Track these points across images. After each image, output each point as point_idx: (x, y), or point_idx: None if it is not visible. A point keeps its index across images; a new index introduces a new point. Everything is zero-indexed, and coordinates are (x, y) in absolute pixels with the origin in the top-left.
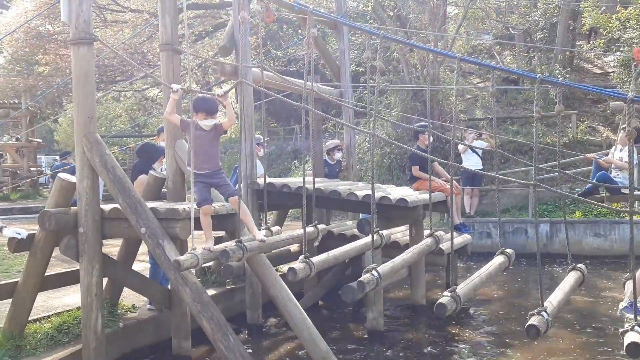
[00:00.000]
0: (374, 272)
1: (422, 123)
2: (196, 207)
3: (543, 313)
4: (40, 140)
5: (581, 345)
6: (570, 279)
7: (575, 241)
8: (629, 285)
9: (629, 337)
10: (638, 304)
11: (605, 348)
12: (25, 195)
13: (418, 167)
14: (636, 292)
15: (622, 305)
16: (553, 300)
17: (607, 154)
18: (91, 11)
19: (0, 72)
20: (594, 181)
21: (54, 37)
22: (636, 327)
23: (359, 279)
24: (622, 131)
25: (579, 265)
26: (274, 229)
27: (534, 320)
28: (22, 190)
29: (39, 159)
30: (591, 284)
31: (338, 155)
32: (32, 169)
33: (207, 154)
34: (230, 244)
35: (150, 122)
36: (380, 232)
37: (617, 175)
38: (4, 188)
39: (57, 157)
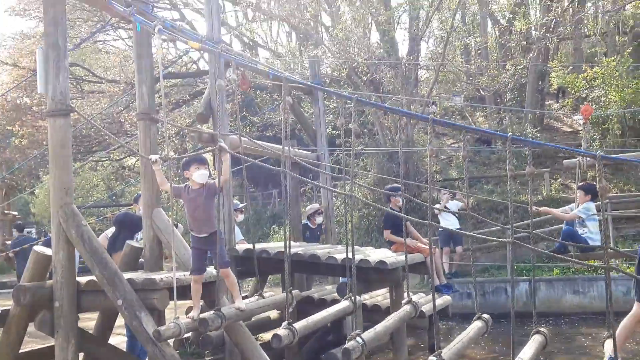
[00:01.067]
0: (358, 338)
1: (393, 185)
2: (189, 274)
3: None
4: (16, 213)
5: None
6: (536, 340)
7: (555, 299)
8: (608, 344)
9: None
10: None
11: None
12: (0, 270)
13: (390, 231)
14: (616, 349)
15: (607, 356)
16: None
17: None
18: (68, 83)
19: None
20: (560, 239)
21: (31, 109)
22: None
23: (344, 346)
24: (579, 190)
25: (541, 329)
26: (267, 295)
27: None
28: None
29: (13, 233)
30: (572, 341)
31: (319, 219)
32: (7, 242)
33: (204, 217)
34: (208, 313)
35: (128, 191)
36: (357, 296)
37: (584, 232)
38: None
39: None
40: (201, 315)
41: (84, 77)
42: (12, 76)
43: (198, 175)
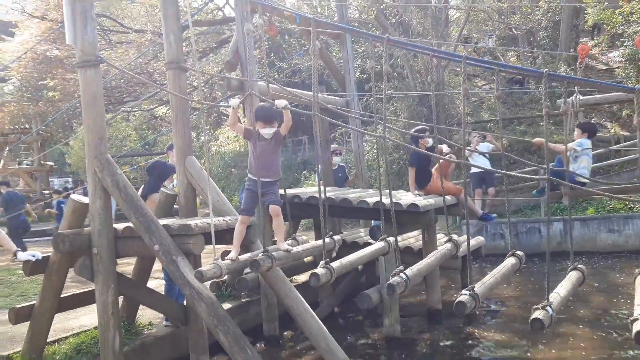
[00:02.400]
0: (402, 274)
1: (419, 127)
2: (239, 214)
3: (547, 308)
4: (52, 164)
5: (598, 340)
6: (572, 276)
7: (589, 238)
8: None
9: (637, 326)
10: None
11: (620, 342)
12: (40, 219)
13: (415, 170)
14: None
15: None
16: (557, 296)
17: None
18: (96, 33)
19: (10, 98)
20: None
21: (61, 61)
22: None
23: (388, 282)
24: (576, 128)
25: (580, 265)
26: (300, 239)
27: (538, 314)
28: (37, 215)
29: (52, 182)
30: (606, 280)
31: (337, 159)
32: (45, 192)
33: (270, 162)
34: (259, 254)
35: (160, 140)
36: (390, 238)
37: (575, 167)
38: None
39: (69, 180)
40: (251, 256)
41: (111, 28)
42: (40, 29)
43: (265, 134)
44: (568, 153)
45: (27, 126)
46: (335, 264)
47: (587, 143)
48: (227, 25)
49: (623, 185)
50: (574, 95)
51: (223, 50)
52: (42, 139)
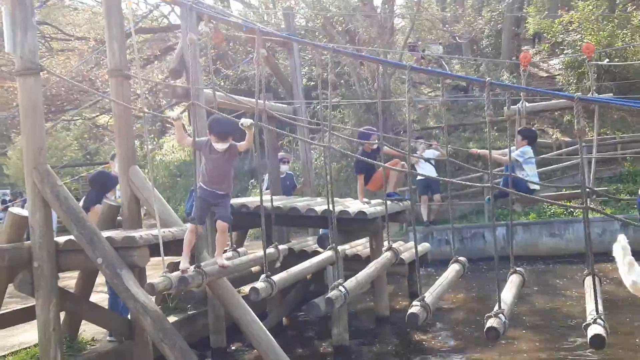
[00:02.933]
0: (340, 287)
1: (364, 131)
2: (189, 223)
3: (500, 315)
4: None
5: (543, 342)
6: (514, 281)
7: (532, 242)
8: (588, 281)
9: (592, 330)
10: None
11: (566, 344)
12: None
13: (363, 176)
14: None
15: None
16: (506, 301)
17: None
18: (37, 40)
19: None
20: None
21: None
22: (598, 320)
23: (327, 296)
24: (518, 135)
25: (519, 268)
26: (240, 250)
27: (492, 322)
28: None
29: None
30: (549, 283)
31: (284, 167)
32: None
33: (222, 175)
34: (190, 270)
35: (102, 150)
36: (338, 246)
37: (523, 175)
38: None
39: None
40: (179, 274)
41: (52, 35)
42: None
43: (220, 147)
44: (512, 163)
45: None
46: (277, 277)
47: (529, 150)
48: (172, 33)
49: (568, 192)
50: (520, 102)
51: (168, 58)
52: None
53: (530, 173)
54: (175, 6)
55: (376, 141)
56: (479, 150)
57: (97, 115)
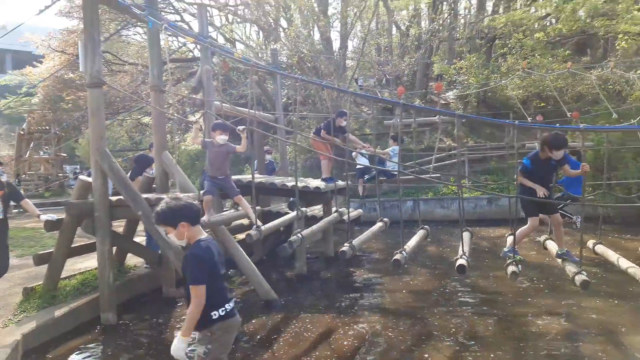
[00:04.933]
0: (298, 234)
1: (342, 110)
2: (202, 195)
3: (403, 252)
4: (65, 155)
5: (432, 275)
6: (420, 233)
7: (429, 211)
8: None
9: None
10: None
11: (448, 280)
12: (55, 194)
13: (325, 132)
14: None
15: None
16: (409, 245)
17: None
18: (101, 64)
19: (35, 107)
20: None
21: (74, 82)
22: (463, 256)
23: (289, 240)
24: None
25: (425, 226)
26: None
27: (397, 256)
28: (53, 191)
29: (65, 168)
30: (439, 239)
31: (268, 156)
32: (59, 174)
33: (220, 165)
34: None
35: (144, 140)
36: (302, 209)
37: (388, 165)
38: (40, 189)
39: (78, 167)
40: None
41: (112, 61)
42: (60, 60)
43: (220, 139)
44: (385, 156)
45: (47, 127)
46: (264, 227)
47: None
48: (195, 62)
49: (427, 176)
50: (395, 118)
51: (192, 79)
52: (59, 137)
53: (392, 165)
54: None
55: (344, 121)
56: (377, 150)
57: (141, 117)
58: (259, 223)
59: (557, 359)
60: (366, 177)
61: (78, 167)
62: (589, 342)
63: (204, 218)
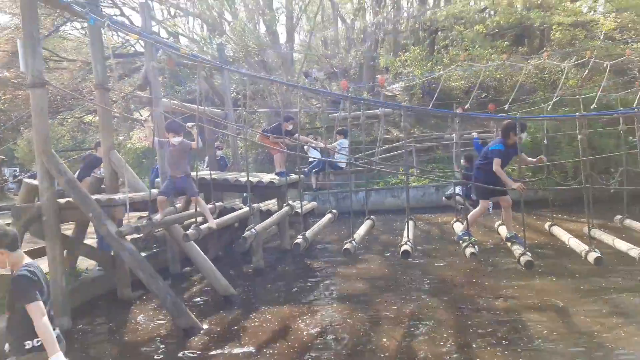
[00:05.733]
0: (252, 229)
1: (289, 115)
2: (157, 195)
3: (352, 242)
4: (3, 157)
5: (382, 261)
6: (367, 223)
7: (380, 201)
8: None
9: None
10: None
11: (400, 266)
12: None
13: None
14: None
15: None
16: (358, 234)
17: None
18: (42, 63)
19: None
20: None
21: (10, 81)
22: (408, 243)
23: (243, 235)
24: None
25: (372, 216)
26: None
27: (347, 245)
28: None
29: (3, 171)
30: (390, 228)
31: (219, 152)
32: None
33: (178, 163)
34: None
35: (87, 140)
36: (255, 204)
37: (337, 157)
38: None
39: (17, 169)
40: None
41: (50, 57)
42: None
43: (175, 141)
44: (332, 150)
45: None
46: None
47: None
48: (138, 58)
49: (378, 168)
50: (338, 113)
51: (135, 75)
52: None
53: (339, 157)
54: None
55: (290, 125)
56: (326, 145)
57: (83, 115)
58: (214, 225)
59: (503, 334)
60: (314, 170)
61: (17, 169)
62: (532, 317)
63: (157, 217)
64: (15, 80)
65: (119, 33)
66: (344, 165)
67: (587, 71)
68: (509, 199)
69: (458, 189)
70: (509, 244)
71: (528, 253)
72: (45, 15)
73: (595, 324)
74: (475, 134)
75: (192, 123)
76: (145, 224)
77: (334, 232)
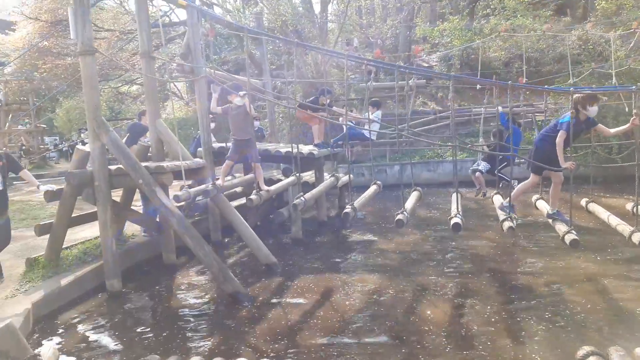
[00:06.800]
0: (301, 198)
1: (326, 88)
2: (227, 159)
3: (404, 212)
4: (45, 126)
5: (423, 238)
6: (414, 195)
7: (416, 175)
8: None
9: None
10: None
11: (438, 240)
12: (38, 166)
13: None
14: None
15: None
16: (408, 206)
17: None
18: (92, 31)
19: (9, 78)
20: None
21: (51, 50)
22: (457, 215)
23: (293, 202)
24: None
25: (418, 188)
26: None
27: (399, 217)
28: (35, 163)
29: (45, 140)
30: (427, 202)
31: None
32: (40, 147)
33: (242, 126)
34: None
35: (124, 110)
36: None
37: (370, 130)
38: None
39: (57, 138)
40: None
41: None
42: (34, 27)
43: (237, 101)
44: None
45: (24, 98)
46: (263, 192)
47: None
48: (173, 28)
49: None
50: (369, 82)
51: (170, 46)
52: (37, 109)
53: (375, 128)
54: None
55: (328, 100)
56: (358, 116)
57: (120, 86)
58: (266, 188)
59: (543, 309)
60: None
61: (57, 138)
62: (574, 294)
63: (218, 182)
64: (54, 50)
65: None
66: (374, 137)
67: (633, 43)
68: (561, 175)
69: (482, 165)
70: (550, 220)
71: (573, 231)
72: None
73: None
74: (500, 109)
75: (244, 92)
76: (211, 188)
77: (367, 204)
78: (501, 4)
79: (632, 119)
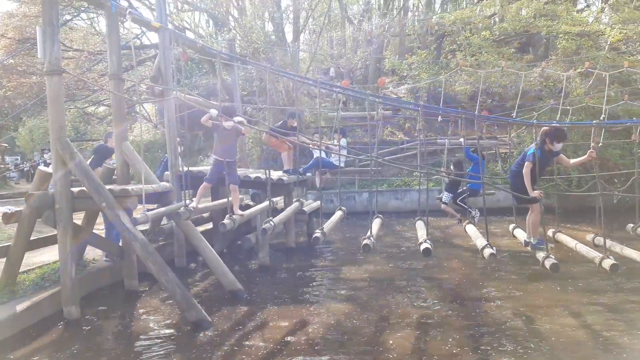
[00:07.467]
0: (271, 222)
1: (293, 112)
2: (204, 181)
3: (371, 237)
4: (6, 145)
5: (390, 265)
6: (377, 221)
7: (384, 203)
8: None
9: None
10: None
11: (405, 267)
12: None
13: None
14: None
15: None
16: (373, 231)
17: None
18: (60, 51)
19: None
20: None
21: (15, 68)
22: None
23: (262, 227)
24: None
25: (380, 215)
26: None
27: (366, 242)
28: None
29: (5, 159)
30: (395, 228)
31: None
32: (0, 166)
33: (230, 147)
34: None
35: (89, 131)
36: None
37: (335, 159)
38: None
39: (18, 158)
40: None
41: None
42: (0, 44)
43: (227, 125)
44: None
45: None
46: (236, 217)
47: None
48: (144, 50)
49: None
50: (337, 113)
51: (140, 68)
52: None
53: (343, 159)
54: (149, 31)
55: (295, 123)
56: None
57: (86, 106)
58: (240, 212)
59: (511, 336)
60: (306, 169)
61: (19, 158)
62: (541, 320)
63: (192, 204)
64: (20, 67)
65: (133, 24)
66: (342, 165)
67: (591, 81)
68: (539, 205)
69: (444, 195)
70: (529, 247)
71: (552, 256)
72: (61, 6)
73: (604, 328)
74: (462, 140)
75: (240, 119)
76: (183, 211)
77: (336, 232)
78: (467, 41)
79: (589, 151)
